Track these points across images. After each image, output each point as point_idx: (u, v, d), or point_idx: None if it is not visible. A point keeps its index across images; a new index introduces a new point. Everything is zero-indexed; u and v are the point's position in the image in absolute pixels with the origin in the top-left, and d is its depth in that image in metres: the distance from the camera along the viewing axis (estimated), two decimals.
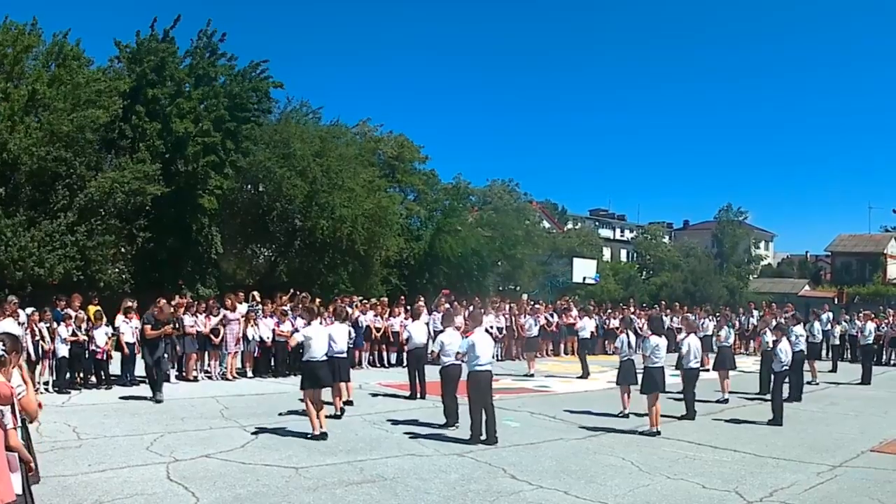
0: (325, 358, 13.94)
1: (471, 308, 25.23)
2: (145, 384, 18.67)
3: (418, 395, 18.33)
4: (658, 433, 14.65)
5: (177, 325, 19.29)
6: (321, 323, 15.23)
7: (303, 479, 10.52)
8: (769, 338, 18.47)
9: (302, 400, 13.73)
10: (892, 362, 32.83)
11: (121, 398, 17.35)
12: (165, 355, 18.11)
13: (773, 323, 21.05)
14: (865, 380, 24.74)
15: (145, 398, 17.05)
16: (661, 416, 15.23)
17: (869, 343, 26.27)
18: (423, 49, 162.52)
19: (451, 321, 16.26)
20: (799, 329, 21.39)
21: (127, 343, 19.27)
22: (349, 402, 16.75)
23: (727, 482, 11.21)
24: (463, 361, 14.06)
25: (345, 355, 16.30)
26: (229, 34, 30.87)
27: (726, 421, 16.79)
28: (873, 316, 27.87)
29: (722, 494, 10.59)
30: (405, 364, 21.08)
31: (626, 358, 16.55)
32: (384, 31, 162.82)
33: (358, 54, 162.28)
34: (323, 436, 13.13)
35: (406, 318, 24.26)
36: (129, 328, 19.29)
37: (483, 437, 13.43)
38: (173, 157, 27.65)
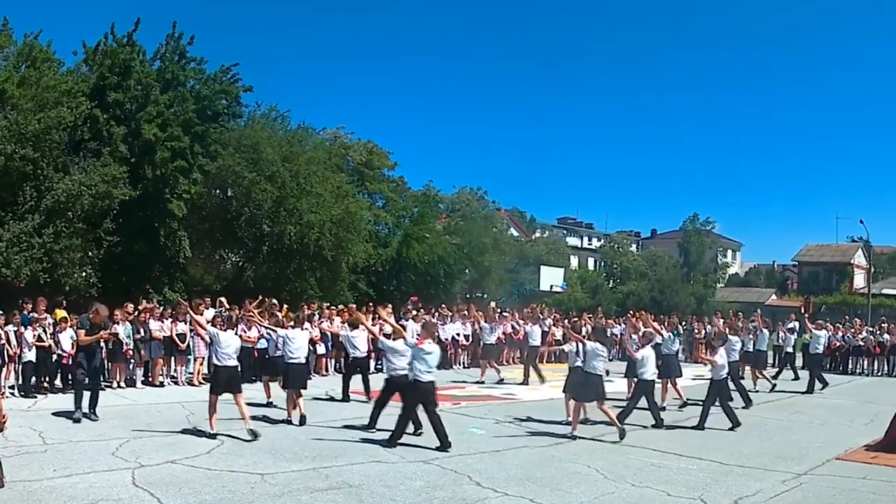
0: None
1: (435, 315, 25.43)
2: (111, 388, 18.75)
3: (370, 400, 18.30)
4: (574, 438, 14.93)
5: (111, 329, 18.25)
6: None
7: (268, 486, 10.53)
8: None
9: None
10: (857, 371, 33.30)
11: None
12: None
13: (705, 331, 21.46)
14: (809, 389, 24.81)
15: (110, 405, 16.85)
16: (629, 424, 15.44)
17: (819, 352, 26.29)
18: (393, 57, 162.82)
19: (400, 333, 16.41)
20: (734, 338, 21.67)
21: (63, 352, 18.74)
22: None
23: (692, 490, 11.31)
24: (408, 369, 14.07)
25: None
26: (199, 38, 30.78)
27: (691, 428, 16.91)
28: (824, 325, 27.95)
29: (687, 502, 10.71)
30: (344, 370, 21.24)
31: (575, 364, 16.65)
32: (354, 38, 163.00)
33: (328, 62, 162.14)
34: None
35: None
36: (65, 336, 18.81)
37: (437, 445, 13.48)
38: (141, 160, 27.46)
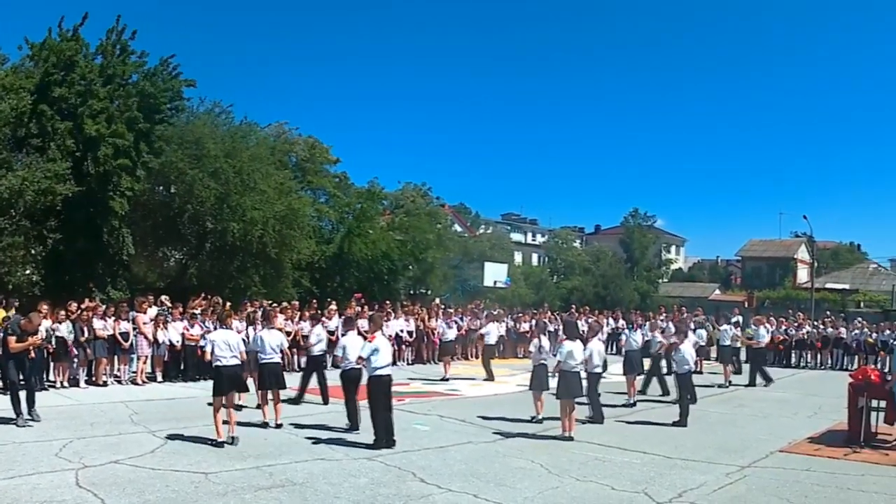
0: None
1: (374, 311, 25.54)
2: (55, 388, 18.68)
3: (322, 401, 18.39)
4: (571, 438, 14.80)
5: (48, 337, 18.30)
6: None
7: (212, 485, 10.54)
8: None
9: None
10: (801, 365, 33.88)
11: None
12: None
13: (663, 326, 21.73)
14: (751, 382, 25.35)
15: (53, 405, 16.77)
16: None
17: (761, 347, 26.63)
18: (335, 53, 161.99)
19: (352, 325, 16.46)
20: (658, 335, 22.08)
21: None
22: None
23: (636, 483, 11.43)
24: (364, 366, 14.05)
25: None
26: (142, 33, 30.59)
27: (634, 423, 17.14)
28: (763, 320, 28.33)
29: (631, 496, 10.78)
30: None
31: (539, 363, 16.81)
32: (296, 34, 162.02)
33: (269, 58, 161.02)
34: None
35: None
36: None
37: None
38: (84, 157, 27.26)
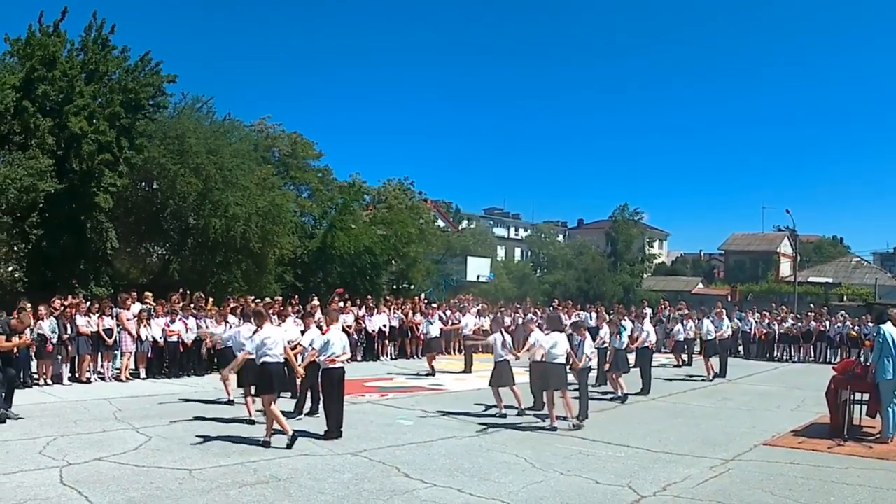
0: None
1: (362, 308, 25.62)
2: (38, 385, 18.68)
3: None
4: (555, 429, 15.00)
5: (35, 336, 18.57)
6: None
7: (196, 481, 10.50)
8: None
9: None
10: (783, 358, 34.12)
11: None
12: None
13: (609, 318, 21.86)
14: (722, 373, 25.63)
15: (37, 403, 16.79)
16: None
17: (725, 339, 26.76)
18: (318, 48, 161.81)
19: (311, 319, 16.52)
20: (647, 324, 22.34)
21: None
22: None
23: (620, 477, 11.42)
24: (317, 359, 14.08)
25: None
26: (122, 29, 30.52)
27: (618, 417, 17.18)
28: (724, 313, 28.32)
29: (615, 489, 10.75)
30: None
31: (500, 359, 16.77)
32: (279, 29, 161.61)
33: (254, 54, 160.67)
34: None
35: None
36: None
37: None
38: (67, 153, 27.24)
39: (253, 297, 27.55)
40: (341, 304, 27.43)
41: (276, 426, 13.06)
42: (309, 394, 15.98)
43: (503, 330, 17.73)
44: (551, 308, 34.11)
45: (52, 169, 26.09)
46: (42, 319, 19.39)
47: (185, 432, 13.95)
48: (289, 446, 12.73)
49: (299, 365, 14.17)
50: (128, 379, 21.06)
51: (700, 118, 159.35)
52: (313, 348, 14.18)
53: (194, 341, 22.48)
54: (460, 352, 27.89)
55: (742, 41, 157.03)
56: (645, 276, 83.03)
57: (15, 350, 15.82)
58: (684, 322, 29.56)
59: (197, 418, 15.56)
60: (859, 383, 15.08)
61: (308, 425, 14.62)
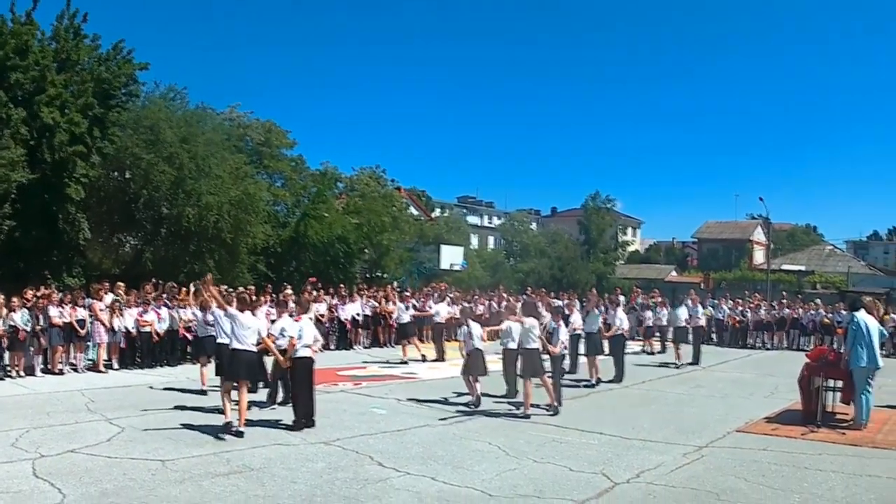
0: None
1: (334, 297, 25.59)
2: (10, 377, 18.61)
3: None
4: (528, 416, 15.09)
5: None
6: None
7: (169, 472, 10.49)
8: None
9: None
10: (757, 345, 34.42)
11: None
12: None
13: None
14: (695, 360, 26.02)
15: (9, 395, 16.73)
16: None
17: (699, 326, 27.11)
18: (290, 35, 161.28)
19: (285, 308, 16.48)
20: (620, 312, 22.40)
21: None
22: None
23: (594, 464, 11.47)
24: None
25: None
26: (94, 17, 30.36)
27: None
28: (699, 300, 28.58)
29: (589, 476, 10.79)
30: None
31: (472, 349, 16.76)
32: (250, 17, 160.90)
33: (225, 41, 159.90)
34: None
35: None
36: None
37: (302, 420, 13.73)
38: (39, 144, 27.09)
39: (226, 287, 27.46)
40: (314, 293, 27.43)
41: (248, 415, 13.09)
42: (280, 383, 15.99)
43: (470, 320, 17.67)
44: (524, 296, 34.19)
45: (24, 159, 25.93)
46: (14, 311, 19.29)
47: (157, 423, 13.91)
48: (219, 434, 12.82)
49: (284, 358, 14.12)
50: (104, 370, 20.97)
51: (673, 106, 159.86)
52: (291, 336, 14.03)
53: (167, 331, 22.43)
54: (433, 340, 27.92)
55: (714, 30, 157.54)
56: (618, 263, 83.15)
57: None
58: (657, 309, 29.86)
59: (170, 409, 15.53)
60: (832, 370, 15.23)
61: (280, 415, 14.62)
